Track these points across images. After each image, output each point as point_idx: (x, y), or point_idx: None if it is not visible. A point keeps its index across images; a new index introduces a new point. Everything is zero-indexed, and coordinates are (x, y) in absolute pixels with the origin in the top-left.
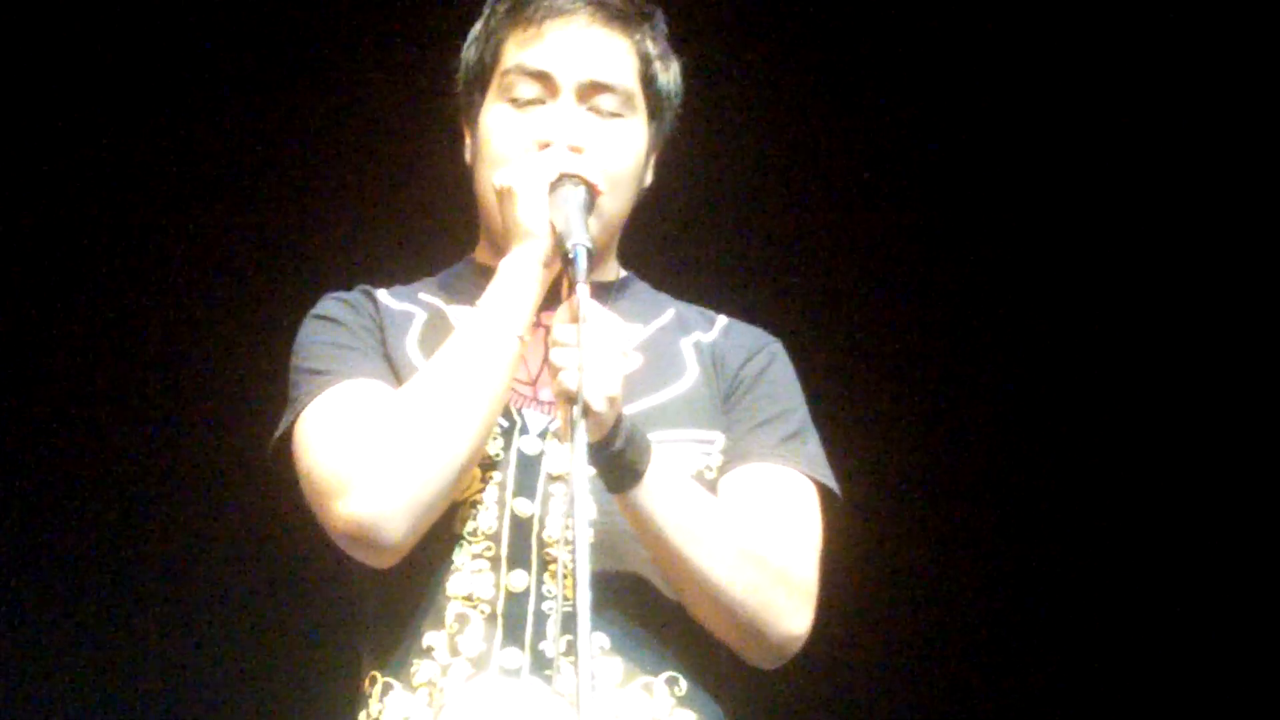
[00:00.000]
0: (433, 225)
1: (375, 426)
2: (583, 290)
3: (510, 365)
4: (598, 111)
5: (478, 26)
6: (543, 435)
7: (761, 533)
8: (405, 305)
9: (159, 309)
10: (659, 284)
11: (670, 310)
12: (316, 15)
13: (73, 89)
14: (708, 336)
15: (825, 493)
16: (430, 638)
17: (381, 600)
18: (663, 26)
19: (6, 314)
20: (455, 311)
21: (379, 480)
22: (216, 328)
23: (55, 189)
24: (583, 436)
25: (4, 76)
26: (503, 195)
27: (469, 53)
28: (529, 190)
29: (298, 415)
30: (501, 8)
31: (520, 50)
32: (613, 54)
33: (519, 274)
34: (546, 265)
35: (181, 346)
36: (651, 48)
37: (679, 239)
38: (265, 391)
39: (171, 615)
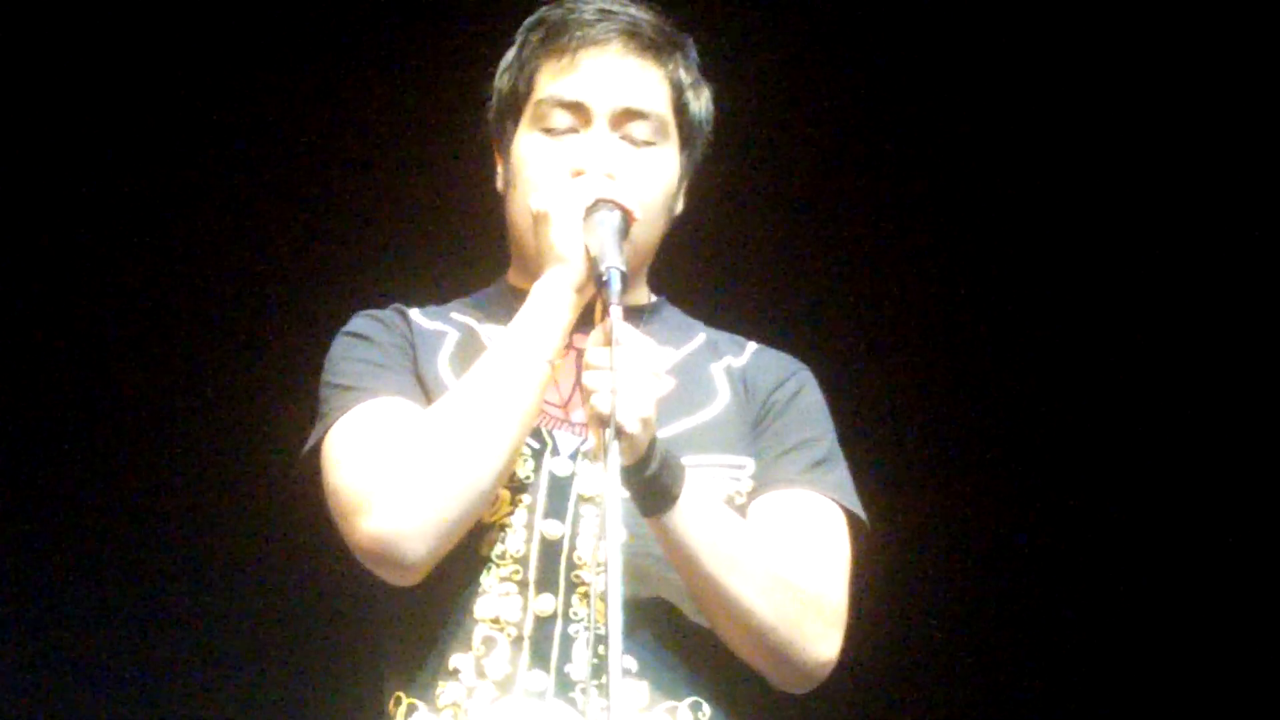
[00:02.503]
0: (466, 247)
1: (401, 445)
2: (616, 313)
3: (539, 389)
4: (631, 140)
5: (510, 55)
6: (574, 457)
7: (792, 558)
8: (437, 324)
9: (193, 326)
10: (689, 310)
11: (701, 335)
12: (354, 34)
13: (111, 104)
14: (738, 361)
15: (853, 519)
16: (456, 660)
17: (407, 621)
18: (694, 55)
19: (37, 325)
20: (488, 331)
21: (402, 499)
22: (249, 345)
23: (90, 204)
24: (615, 459)
25: (39, 91)
26: (538, 219)
27: (501, 81)
28: (564, 215)
29: (326, 431)
30: (534, 37)
31: (554, 80)
32: (646, 83)
33: (551, 298)
34: (579, 290)
35: (214, 364)
36: (684, 76)
37: (709, 265)
38: (297, 409)
39: (194, 633)
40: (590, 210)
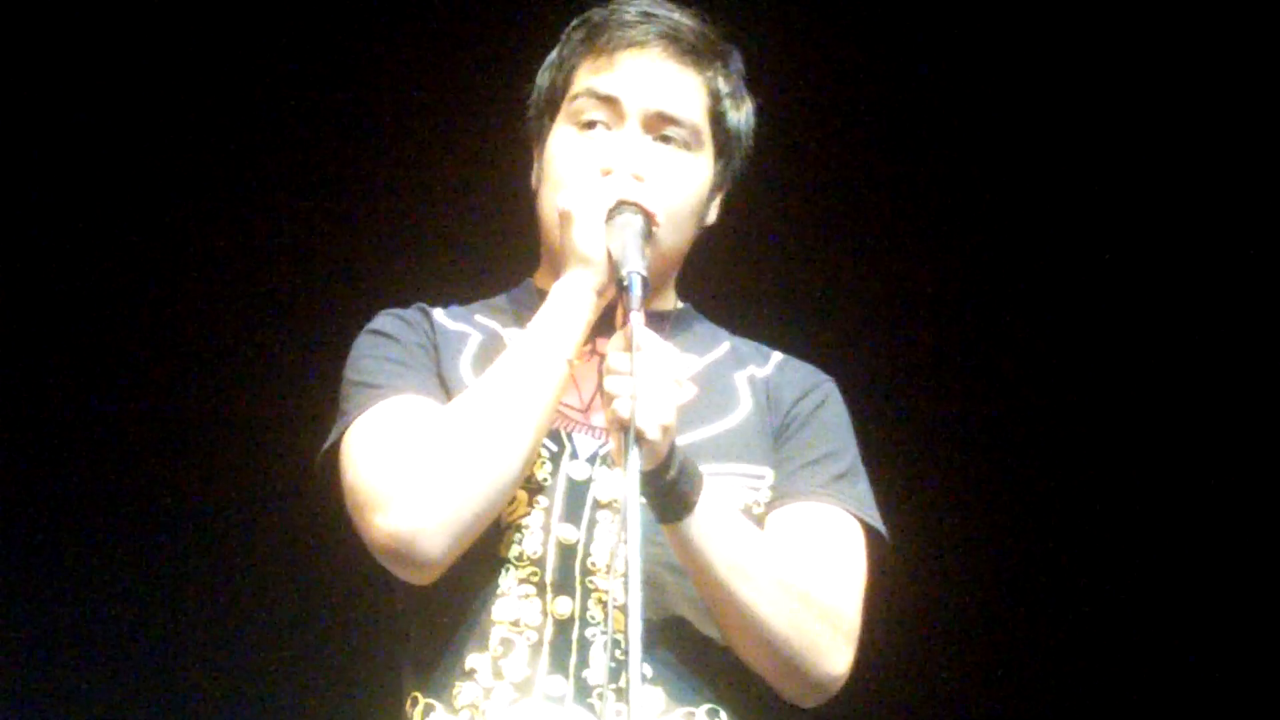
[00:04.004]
0: (493, 247)
1: (420, 442)
2: (637, 318)
3: (557, 388)
4: (663, 143)
5: (553, 53)
6: (592, 461)
7: (807, 570)
8: (461, 325)
9: (216, 326)
10: (715, 317)
11: (726, 343)
12: (381, 34)
13: (132, 107)
14: (762, 371)
15: (872, 534)
16: (473, 660)
17: (425, 621)
18: (738, 65)
19: (60, 331)
20: (511, 334)
21: (419, 496)
22: (272, 343)
23: (114, 206)
24: (635, 465)
25: (59, 97)
26: (562, 219)
27: (542, 78)
28: (587, 216)
29: (346, 427)
30: (577, 35)
31: (591, 76)
32: (682, 88)
33: (571, 299)
34: (600, 292)
35: (236, 362)
36: (723, 85)
37: (737, 274)
38: (317, 408)
39: (211, 635)
40: (613, 212)
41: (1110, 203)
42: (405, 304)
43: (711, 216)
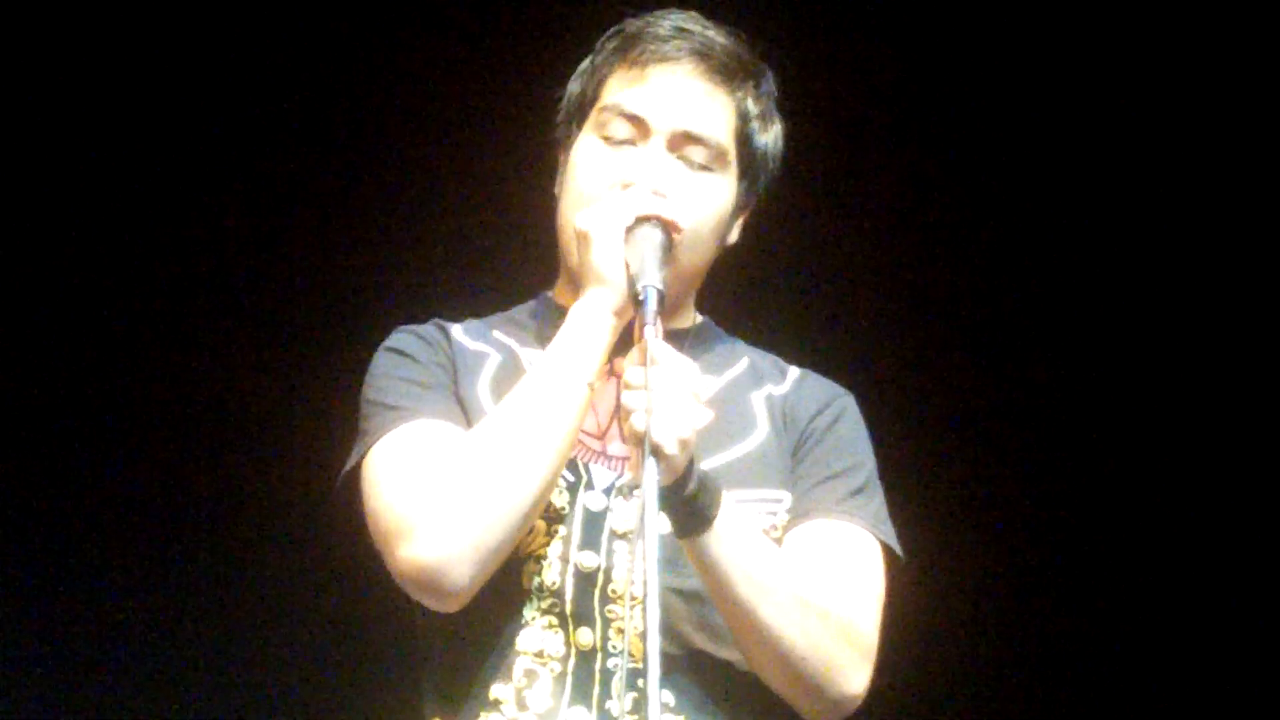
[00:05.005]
0: (511, 259)
1: (442, 471)
2: (650, 332)
3: (579, 413)
4: (687, 162)
5: (586, 61)
6: (608, 492)
7: (826, 588)
8: (479, 345)
9: (231, 344)
10: (734, 328)
11: (744, 359)
12: (403, 43)
13: (148, 127)
14: (779, 389)
15: (888, 551)
16: (497, 690)
17: (448, 650)
18: (770, 86)
19: (80, 349)
20: (529, 354)
21: (444, 525)
22: (288, 360)
23: (132, 228)
24: (653, 480)
25: (79, 119)
26: (580, 239)
27: (573, 85)
28: (605, 235)
29: (367, 450)
30: (610, 45)
31: (620, 89)
32: (710, 107)
33: (590, 321)
34: (618, 313)
35: (253, 379)
36: (752, 106)
37: (758, 286)
38: (338, 427)
39: (230, 661)
40: (632, 228)
41: (1142, 220)
42: (424, 306)
43: (733, 237)
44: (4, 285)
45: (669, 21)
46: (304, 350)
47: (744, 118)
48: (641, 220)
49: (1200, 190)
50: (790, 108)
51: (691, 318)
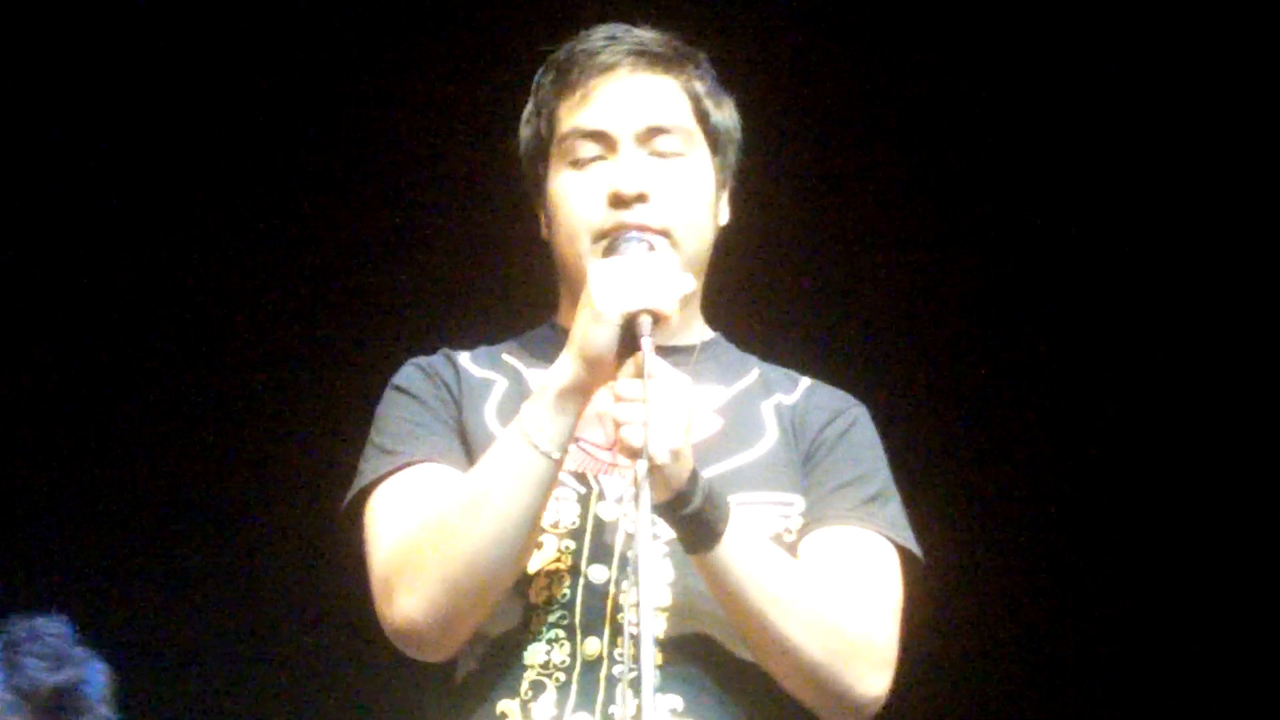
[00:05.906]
0: (516, 287)
1: (421, 535)
2: (647, 344)
3: (543, 486)
4: (659, 154)
5: (528, 105)
6: (619, 503)
7: (841, 596)
8: (486, 372)
9: (246, 368)
10: (746, 344)
11: (754, 372)
12: (404, 69)
13: (150, 130)
14: (789, 399)
15: (906, 556)
16: (504, 705)
17: (454, 666)
18: (708, 67)
19: (80, 349)
20: (534, 376)
21: (414, 594)
22: (301, 385)
23: (145, 249)
24: (648, 491)
25: (80, 121)
26: (595, 318)
27: (525, 130)
28: (608, 319)
29: (362, 493)
30: (546, 79)
31: (573, 114)
32: (663, 96)
33: (561, 396)
34: (588, 391)
35: (267, 406)
36: (699, 86)
37: (766, 301)
38: (344, 429)
39: (235, 675)
40: (620, 248)
41: (1159, 219)
42: (434, 348)
43: (724, 216)
44: (10, 290)
45: (595, 35)
46: (313, 352)
47: (695, 97)
48: (630, 236)
49: (1201, 190)
50: (802, 117)
51: (700, 333)
